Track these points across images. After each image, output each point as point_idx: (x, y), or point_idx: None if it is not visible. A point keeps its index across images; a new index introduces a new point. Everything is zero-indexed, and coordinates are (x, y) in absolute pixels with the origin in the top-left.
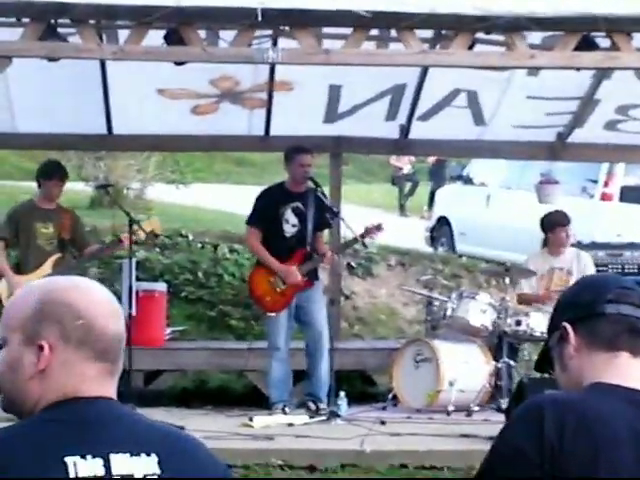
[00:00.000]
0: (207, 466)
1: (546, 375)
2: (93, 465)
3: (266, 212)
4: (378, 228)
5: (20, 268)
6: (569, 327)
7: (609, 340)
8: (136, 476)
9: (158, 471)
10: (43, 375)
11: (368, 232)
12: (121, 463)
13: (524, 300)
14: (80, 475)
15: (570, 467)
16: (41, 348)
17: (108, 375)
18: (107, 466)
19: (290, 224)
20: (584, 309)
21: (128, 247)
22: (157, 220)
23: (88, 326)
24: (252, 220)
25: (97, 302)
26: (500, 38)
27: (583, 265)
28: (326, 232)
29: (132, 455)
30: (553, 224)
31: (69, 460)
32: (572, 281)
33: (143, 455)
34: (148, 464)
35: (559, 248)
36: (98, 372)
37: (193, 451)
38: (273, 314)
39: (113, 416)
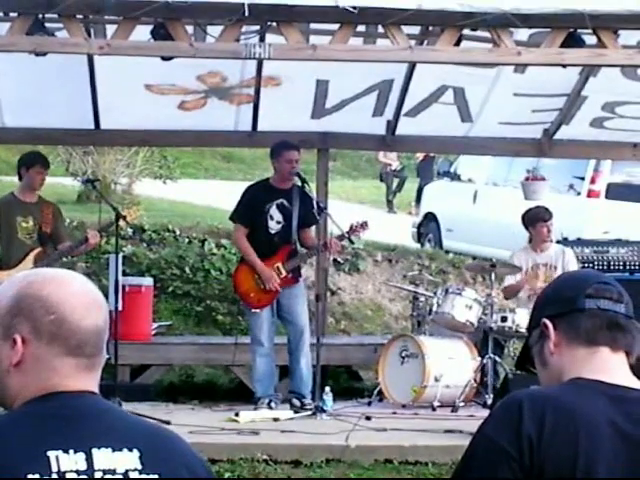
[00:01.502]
0: (187, 462)
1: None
2: (75, 459)
3: (251, 208)
4: (363, 226)
5: (2, 263)
6: (549, 323)
7: (589, 335)
8: (118, 471)
9: (139, 466)
10: (19, 369)
11: (353, 230)
12: (103, 458)
13: (508, 291)
14: (62, 469)
15: (549, 461)
16: (15, 342)
17: (85, 369)
18: (89, 460)
19: (275, 221)
20: (564, 305)
21: (95, 246)
22: (135, 209)
23: (59, 321)
24: (237, 216)
25: (73, 295)
26: (487, 35)
27: (566, 261)
28: (313, 228)
29: (114, 450)
30: (534, 220)
31: (51, 454)
32: None
33: (125, 450)
34: (130, 459)
35: (541, 244)
36: (73, 367)
37: (173, 447)
38: (258, 310)
39: (95, 411)
